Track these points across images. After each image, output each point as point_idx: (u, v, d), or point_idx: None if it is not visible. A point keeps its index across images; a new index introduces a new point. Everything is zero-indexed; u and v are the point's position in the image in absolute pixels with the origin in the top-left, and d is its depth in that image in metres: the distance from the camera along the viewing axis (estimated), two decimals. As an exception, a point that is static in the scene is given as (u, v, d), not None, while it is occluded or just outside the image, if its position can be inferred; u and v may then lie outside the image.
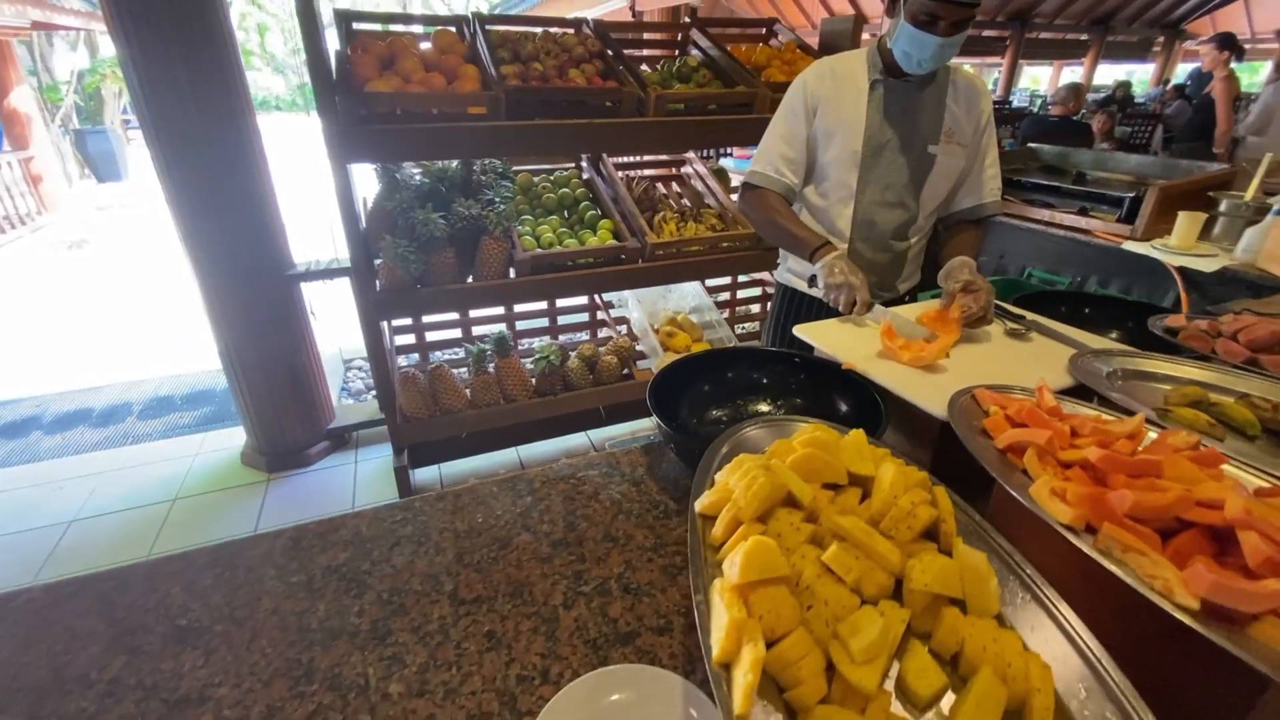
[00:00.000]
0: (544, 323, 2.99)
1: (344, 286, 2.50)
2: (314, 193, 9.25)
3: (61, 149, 9.32)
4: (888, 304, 1.41)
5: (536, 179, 2.66)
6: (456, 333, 2.87)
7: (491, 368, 2.41)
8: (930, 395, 0.94)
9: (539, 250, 2.23)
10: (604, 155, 2.68)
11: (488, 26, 2.20)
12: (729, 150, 5.69)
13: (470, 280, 2.17)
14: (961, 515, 0.67)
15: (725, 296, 3.19)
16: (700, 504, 0.65)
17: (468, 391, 2.40)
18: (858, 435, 0.73)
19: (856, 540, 0.58)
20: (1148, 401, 0.92)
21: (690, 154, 2.98)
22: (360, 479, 2.72)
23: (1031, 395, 0.89)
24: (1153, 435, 0.76)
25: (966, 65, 6.11)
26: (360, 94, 1.80)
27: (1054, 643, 0.54)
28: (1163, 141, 5.70)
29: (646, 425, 3.06)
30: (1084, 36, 8.73)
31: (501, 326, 2.82)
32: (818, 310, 1.53)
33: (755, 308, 3.30)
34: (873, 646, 0.49)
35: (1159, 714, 0.47)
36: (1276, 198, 2.27)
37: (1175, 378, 1.01)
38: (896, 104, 1.42)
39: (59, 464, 2.85)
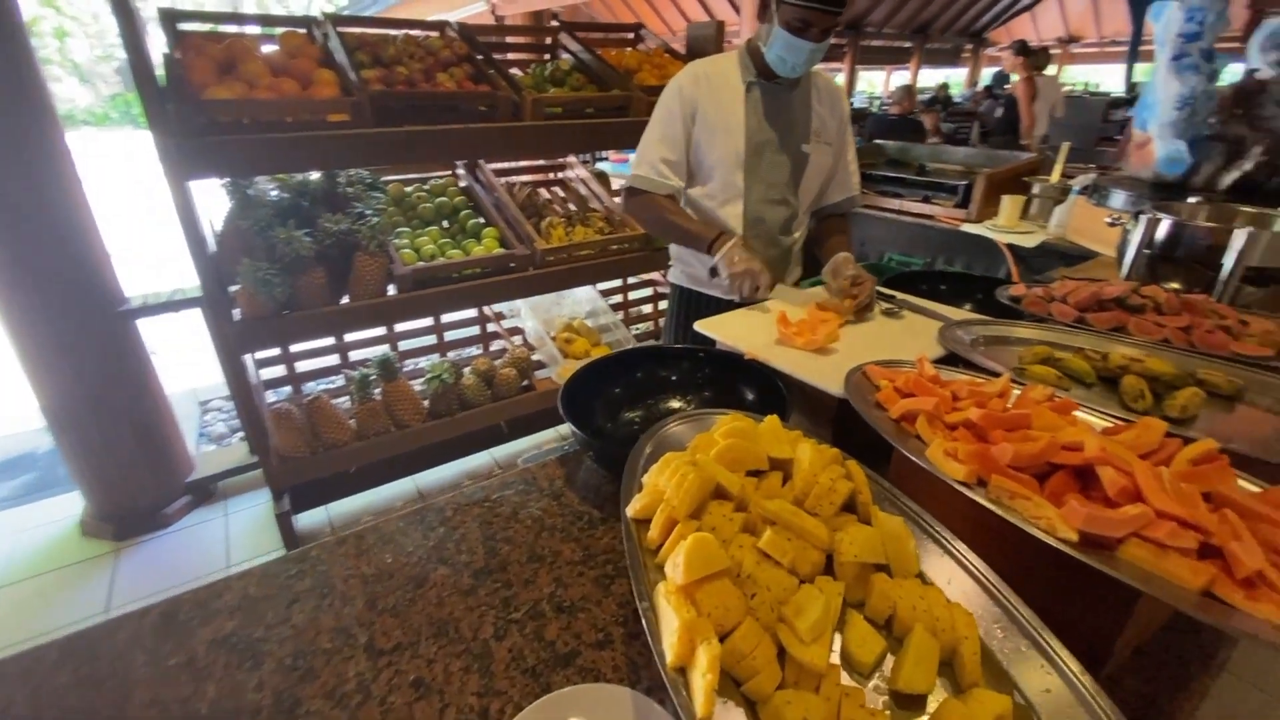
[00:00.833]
0: (431, 340, 2.83)
1: (194, 318, 2.22)
2: (146, 217, 8.18)
3: None
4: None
5: (409, 189, 2.51)
6: (334, 359, 2.64)
7: (378, 393, 2.24)
8: (827, 376, 1.00)
9: (420, 264, 2.11)
10: (480, 161, 2.59)
11: (341, 29, 2.04)
12: (604, 154, 5.73)
13: (345, 301, 2.01)
14: (874, 485, 0.71)
15: (618, 299, 3.20)
16: (632, 509, 0.64)
17: (352, 422, 2.21)
18: (773, 421, 0.76)
19: (786, 522, 0.60)
20: (1006, 362, 1.04)
21: (571, 158, 2.96)
22: (234, 534, 2.42)
23: (914, 367, 0.97)
24: (1016, 392, 0.85)
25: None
26: (198, 102, 1.60)
27: (970, 592, 0.59)
28: (980, 135, 6.51)
29: (552, 436, 3.01)
30: (908, 44, 9.82)
31: (385, 348, 2.63)
32: (715, 306, 1.60)
33: (648, 308, 3.35)
34: (818, 624, 0.50)
35: (1059, 638, 0.52)
36: (1075, 180, 2.68)
37: (1025, 339, 1.15)
38: (772, 105, 1.50)
39: None
